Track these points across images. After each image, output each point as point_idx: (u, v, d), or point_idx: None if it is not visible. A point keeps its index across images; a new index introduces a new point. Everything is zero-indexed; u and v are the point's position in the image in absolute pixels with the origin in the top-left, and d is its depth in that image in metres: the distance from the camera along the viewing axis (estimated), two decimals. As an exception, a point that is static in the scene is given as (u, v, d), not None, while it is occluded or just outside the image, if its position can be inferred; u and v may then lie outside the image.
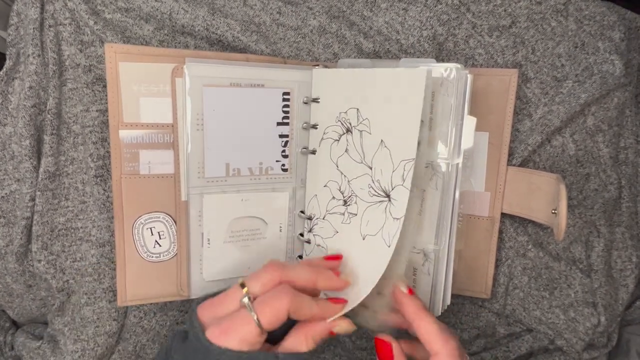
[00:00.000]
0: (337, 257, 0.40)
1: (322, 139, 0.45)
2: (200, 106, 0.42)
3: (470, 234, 0.48)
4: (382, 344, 0.36)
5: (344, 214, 0.43)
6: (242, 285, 0.34)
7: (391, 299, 0.38)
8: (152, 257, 0.45)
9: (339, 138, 0.43)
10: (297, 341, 0.34)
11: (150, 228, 0.44)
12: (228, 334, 0.31)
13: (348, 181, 0.43)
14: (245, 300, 0.33)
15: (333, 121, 0.44)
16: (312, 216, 0.46)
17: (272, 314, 0.32)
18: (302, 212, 0.47)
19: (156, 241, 0.45)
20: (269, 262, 0.35)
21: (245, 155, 0.45)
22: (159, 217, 0.44)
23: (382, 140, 0.40)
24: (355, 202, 0.42)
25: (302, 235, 0.48)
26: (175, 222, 0.45)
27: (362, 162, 0.41)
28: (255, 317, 0.32)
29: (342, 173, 0.43)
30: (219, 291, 0.35)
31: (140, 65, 0.42)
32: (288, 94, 0.45)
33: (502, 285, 0.50)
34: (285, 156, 0.46)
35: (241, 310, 0.32)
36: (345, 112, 0.42)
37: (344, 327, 0.36)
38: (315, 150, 0.45)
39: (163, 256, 0.45)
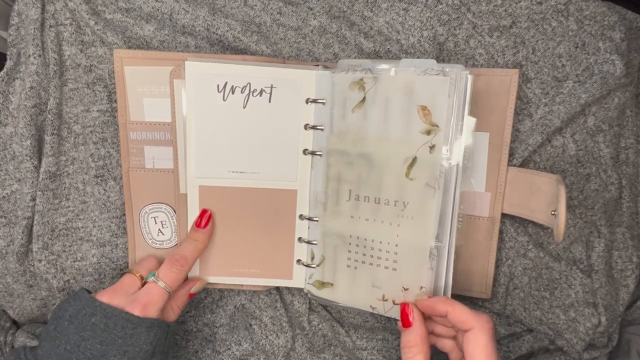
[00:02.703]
0: (203, 218, 0.45)
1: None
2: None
3: (470, 234, 0.48)
4: (403, 305, 0.41)
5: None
6: (130, 272, 0.42)
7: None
8: (157, 244, 0.48)
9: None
10: (167, 313, 0.43)
11: (154, 217, 0.47)
12: (148, 306, 0.39)
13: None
14: (152, 277, 0.41)
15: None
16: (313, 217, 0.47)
17: (175, 278, 0.41)
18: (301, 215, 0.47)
19: (159, 229, 0.48)
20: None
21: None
22: (161, 208, 0.47)
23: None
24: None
25: (300, 239, 0.48)
26: (175, 213, 0.47)
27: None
28: (163, 285, 0.40)
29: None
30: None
31: (143, 68, 0.45)
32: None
33: (502, 285, 0.50)
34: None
35: (148, 286, 0.40)
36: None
37: (198, 285, 0.46)
38: (318, 152, 0.45)
39: (166, 244, 0.48)
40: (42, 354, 0.38)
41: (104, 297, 0.39)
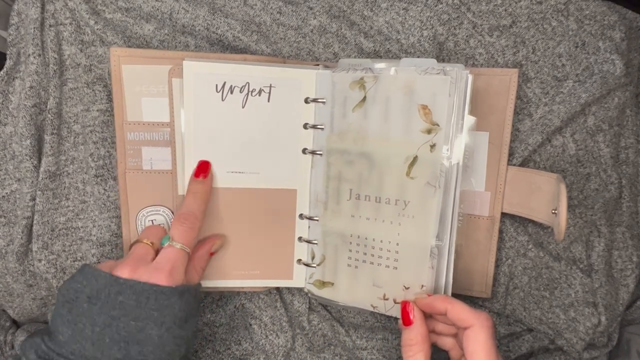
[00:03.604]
0: (201, 168, 0.44)
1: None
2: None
3: (470, 234, 0.48)
4: (403, 304, 0.41)
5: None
6: (139, 241, 0.41)
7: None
8: None
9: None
10: (190, 275, 0.42)
11: (152, 220, 0.46)
12: (173, 272, 0.38)
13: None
14: (167, 241, 0.40)
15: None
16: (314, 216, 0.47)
17: (189, 236, 0.40)
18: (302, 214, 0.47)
19: None
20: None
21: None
22: (159, 211, 0.46)
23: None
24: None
25: (300, 238, 0.48)
26: (174, 216, 0.46)
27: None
28: (180, 246, 0.39)
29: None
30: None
31: (141, 67, 0.44)
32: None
33: (502, 285, 0.50)
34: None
35: (166, 251, 0.39)
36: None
37: (218, 244, 0.45)
38: (318, 151, 0.45)
39: None
40: (66, 341, 0.35)
41: (125, 271, 0.37)
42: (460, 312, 0.38)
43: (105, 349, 0.35)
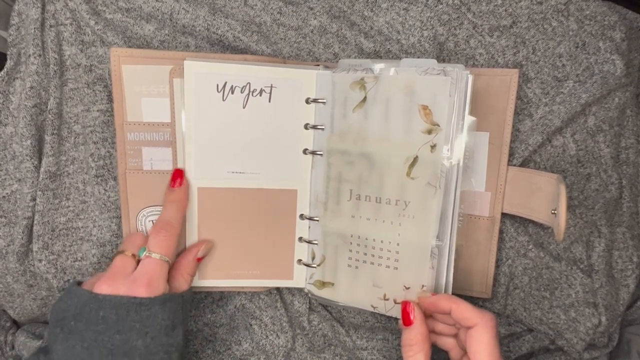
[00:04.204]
0: (175, 176, 0.44)
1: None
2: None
3: (470, 234, 0.48)
4: (403, 304, 0.41)
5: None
6: (120, 252, 0.40)
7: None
8: None
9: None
10: (178, 282, 0.42)
11: (152, 221, 0.46)
12: (152, 283, 0.38)
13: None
14: (144, 252, 0.39)
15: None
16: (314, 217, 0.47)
17: (166, 245, 0.40)
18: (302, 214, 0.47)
19: None
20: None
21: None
22: (159, 211, 0.45)
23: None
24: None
25: (300, 238, 0.48)
26: None
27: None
28: (158, 257, 0.39)
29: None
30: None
31: (142, 67, 0.44)
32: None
33: (502, 285, 0.50)
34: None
35: (143, 262, 0.39)
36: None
37: (203, 249, 0.45)
38: (319, 152, 0.45)
39: None
40: (60, 358, 0.37)
41: (104, 286, 0.38)
42: (464, 311, 0.38)
43: None
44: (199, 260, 0.44)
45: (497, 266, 0.50)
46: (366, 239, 0.44)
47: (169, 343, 0.38)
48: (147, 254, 0.39)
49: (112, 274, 0.39)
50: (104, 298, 0.37)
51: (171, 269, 0.41)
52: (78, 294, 0.38)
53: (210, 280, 0.47)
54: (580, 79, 0.47)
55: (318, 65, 0.46)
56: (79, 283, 0.40)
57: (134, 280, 0.38)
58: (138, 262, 0.40)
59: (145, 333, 0.37)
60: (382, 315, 0.49)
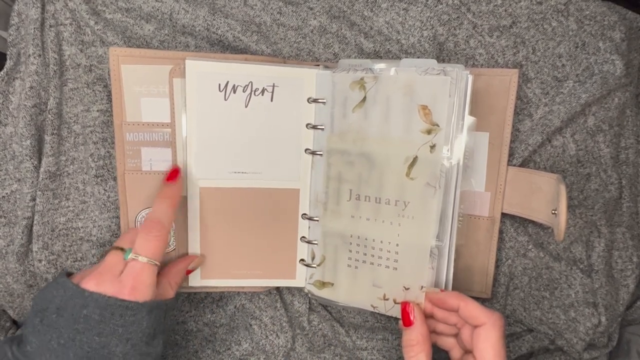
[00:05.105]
0: (173, 172, 0.43)
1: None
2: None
3: (470, 234, 0.48)
4: (403, 305, 0.41)
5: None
6: (115, 248, 0.39)
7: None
8: None
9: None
10: (164, 289, 0.41)
11: None
12: (136, 288, 0.37)
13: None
14: (130, 254, 0.38)
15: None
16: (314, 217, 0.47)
17: (155, 247, 0.38)
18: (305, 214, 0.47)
19: None
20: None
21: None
22: None
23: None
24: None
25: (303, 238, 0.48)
26: None
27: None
28: (146, 260, 0.38)
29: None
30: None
31: (141, 67, 0.43)
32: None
33: (502, 285, 0.50)
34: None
35: (130, 265, 0.37)
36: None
37: (195, 263, 0.45)
38: (318, 152, 0.45)
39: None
40: (33, 352, 0.35)
41: (91, 283, 0.36)
42: (472, 309, 0.38)
43: None
44: (189, 272, 0.45)
45: (497, 266, 0.50)
46: (366, 239, 0.44)
47: (148, 352, 0.37)
48: (133, 257, 0.38)
49: (101, 271, 0.37)
50: (89, 295, 0.35)
51: (159, 273, 0.40)
52: (65, 286, 0.36)
53: (213, 279, 0.47)
54: (580, 79, 0.47)
55: (318, 65, 0.46)
56: (69, 274, 0.39)
57: (119, 282, 0.37)
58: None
59: (127, 339, 0.35)
60: (382, 315, 0.49)
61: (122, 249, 0.39)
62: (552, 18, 0.47)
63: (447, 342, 0.42)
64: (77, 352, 0.35)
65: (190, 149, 0.43)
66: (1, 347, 0.36)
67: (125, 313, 0.35)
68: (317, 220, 0.46)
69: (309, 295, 0.49)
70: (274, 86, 0.43)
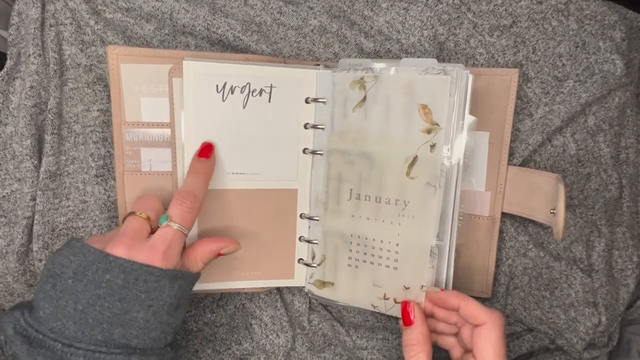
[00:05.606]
0: (205, 149, 0.43)
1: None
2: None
3: (470, 234, 0.48)
4: (403, 304, 0.41)
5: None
6: (132, 214, 0.38)
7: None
8: None
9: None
10: (190, 263, 0.40)
11: None
12: (167, 254, 0.36)
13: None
14: (165, 220, 0.37)
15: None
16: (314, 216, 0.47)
17: (188, 217, 0.38)
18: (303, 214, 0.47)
19: None
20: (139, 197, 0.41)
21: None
22: None
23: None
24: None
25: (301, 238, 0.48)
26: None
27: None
28: (177, 227, 0.37)
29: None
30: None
31: (141, 66, 0.43)
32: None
33: (502, 285, 0.50)
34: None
35: (163, 231, 0.37)
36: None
37: (231, 248, 0.42)
38: (319, 151, 0.45)
39: None
40: (47, 317, 0.33)
41: (119, 249, 0.35)
42: (473, 309, 0.38)
43: (87, 329, 0.33)
44: (220, 255, 0.42)
45: (497, 266, 0.50)
46: (366, 238, 0.44)
47: (168, 322, 0.36)
48: (168, 223, 0.37)
49: (129, 237, 0.36)
50: (114, 260, 0.34)
51: (188, 247, 0.40)
52: (84, 251, 0.35)
53: (212, 283, 0.47)
54: (581, 78, 0.47)
55: (318, 64, 0.46)
56: (78, 241, 0.37)
57: (150, 247, 0.36)
58: (151, 227, 0.38)
59: (149, 306, 0.34)
60: (382, 314, 0.49)
61: (140, 215, 0.38)
62: (553, 17, 0.47)
63: (448, 342, 0.42)
64: (96, 317, 0.33)
65: (189, 150, 0.43)
66: (12, 314, 0.35)
67: (148, 279, 0.34)
68: (318, 220, 0.46)
69: (309, 294, 0.49)
70: (271, 87, 0.43)
